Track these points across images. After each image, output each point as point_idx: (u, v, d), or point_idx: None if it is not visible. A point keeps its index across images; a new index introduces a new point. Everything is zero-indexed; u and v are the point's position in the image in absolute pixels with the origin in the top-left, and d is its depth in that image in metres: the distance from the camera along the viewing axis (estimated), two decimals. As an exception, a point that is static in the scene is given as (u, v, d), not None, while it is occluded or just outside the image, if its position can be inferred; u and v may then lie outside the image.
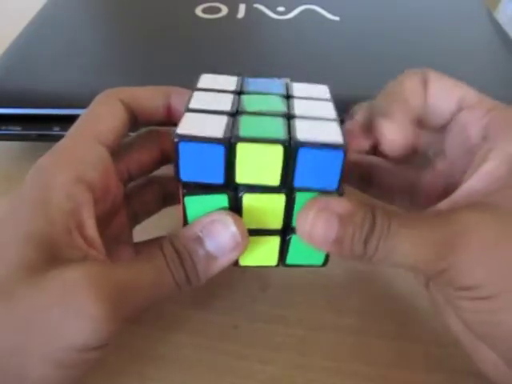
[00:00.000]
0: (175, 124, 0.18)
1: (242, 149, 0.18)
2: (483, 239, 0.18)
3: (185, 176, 0.19)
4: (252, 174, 0.18)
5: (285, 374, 0.23)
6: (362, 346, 0.24)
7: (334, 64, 0.35)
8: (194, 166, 0.18)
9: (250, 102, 0.20)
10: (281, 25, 0.39)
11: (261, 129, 0.18)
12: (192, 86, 0.22)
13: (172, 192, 0.26)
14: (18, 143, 0.36)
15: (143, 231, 0.26)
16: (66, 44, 0.37)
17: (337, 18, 0.40)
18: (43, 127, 0.32)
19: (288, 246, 0.21)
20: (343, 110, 0.29)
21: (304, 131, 0.18)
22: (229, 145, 0.18)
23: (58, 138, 0.32)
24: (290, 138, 0.18)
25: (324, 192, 0.19)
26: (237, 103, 0.20)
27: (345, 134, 0.19)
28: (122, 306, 0.18)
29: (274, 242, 0.21)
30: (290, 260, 0.22)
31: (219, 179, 0.19)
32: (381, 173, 0.25)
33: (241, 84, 0.22)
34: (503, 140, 0.20)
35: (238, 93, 0.21)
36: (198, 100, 0.20)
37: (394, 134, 0.21)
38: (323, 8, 0.41)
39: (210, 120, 0.19)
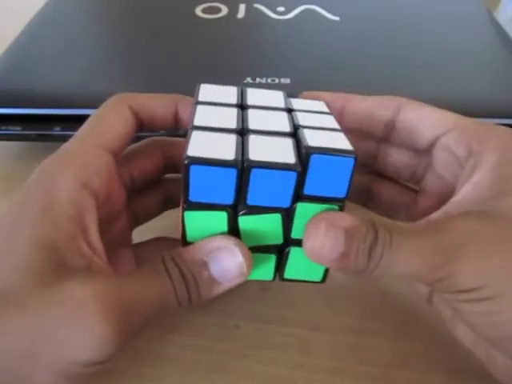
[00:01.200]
0: (180, 135, 0.18)
1: (255, 173, 0.18)
2: (480, 244, 0.18)
3: (194, 197, 0.19)
4: (263, 195, 0.19)
5: (285, 374, 0.23)
6: (362, 346, 0.24)
7: (333, 64, 0.35)
8: (204, 188, 0.18)
9: (255, 118, 0.20)
10: (281, 25, 0.39)
11: (271, 151, 0.18)
12: (192, 85, 0.22)
13: (173, 195, 0.26)
14: (17, 143, 0.36)
15: (142, 231, 0.26)
16: (66, 44, 0.37)
17: (337, 18, 0.40)
18: (43, 127, 0.32)
19: (287, 259, 0.21)
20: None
21: (312, 140, 0.18)
22: (242, 168, 0.18)
23: (58, 138, 0.32)
24: (300, 155, 0.18)
25: (330, 200, 0.19)
26: (241, 119, 0.20)
27: (351, 142, 0.19)
28: (127, 324, 0.18)
29: (271, 258, 0.21)
30: (288, 274, 0.22)
31: (228, 200, 0.19)
32: (380, 187, 0.26)
33: (241, 95, 0.22)
34: (487, 152, 0.20)
35: (241, 106, 0.21)
36: (202, 116, 0.20)
37: None
38: (323, 8, 0.41)
39: (218, 140, 0.18)
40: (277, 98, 0.22)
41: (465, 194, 0.20)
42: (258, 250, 0.20)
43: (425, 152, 0.24)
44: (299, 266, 0.21)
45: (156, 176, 0.25)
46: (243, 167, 0.18)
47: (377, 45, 0.37)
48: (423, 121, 0.23)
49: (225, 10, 0.41)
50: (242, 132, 0.19)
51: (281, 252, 0.21)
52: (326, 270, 0.21)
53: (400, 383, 0.23)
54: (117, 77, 0.34)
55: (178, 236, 0.20)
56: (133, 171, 0.24)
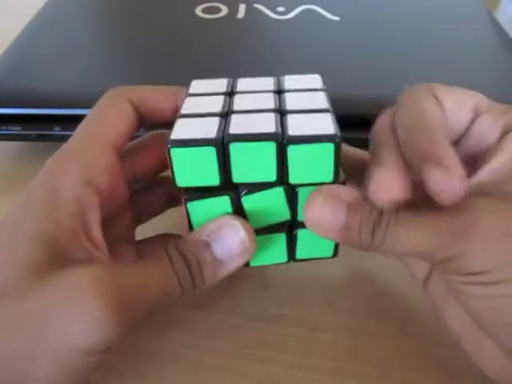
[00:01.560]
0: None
1: (234, 148, 0.18)
2: (495, 226, 0.17)
3: (181, 181, 0.19)
4: (248, 172, 0.18)
5: (285, 374, 0.23)
6: (362, 345, 0.24)
7: (334, 64, 0.35)
8: (189, 171, 0.18)
9: (240, 101, 0.20)
10: (281, 25, 0.39)
11: (251, 125, 0.18)
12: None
13: (176, 193, 0.26)
14: (17, 143, 0.36)
15: (143, 229, 0.26)
16: (66, 44, 0.37)
17: (337, 18, 0.40)
18: (43, 127, 0.32)
19: (296, 241, 0.21)
20: (343, 109, 0.29)
21: (295, 126, 0.18)
22: (221, 145, 0.18)
23: (58, 138, 0.32)
24: (283, 132, 0.18)
25: (324, 184, 0.19)
26: (228, 104, 0.20)
27: (336, 123, 0.18)
28: (128, 309, 0.18)
29: (281, 238, 0.21)
30: (299, 255, 0.22)
31: (214, 181, 0.19)
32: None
33: (231, 85, 0.22)
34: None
35: (230, 94, 0.21)
36: (189, 105, 0.20)
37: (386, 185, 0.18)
38: (323, 8, 0.41)
39: (201, 123, 0.19)
40: (266, 82, 0.22)
41: (484, 176, 0.19)
42: (267, 231, 0.20)
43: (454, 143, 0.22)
44: (309, 245, 0.21)
45: (158, 170, 0.25)
46: (223, 144, 0.17)
47: (377, 45, 0.37)
48: (461, 106, 0.21)
49: (225, 10, 0.41)
50: (226, 114, 0.19)
51: (290, 232, 0.21)
52: (337, 245, 0.21)
53: (400, 383, 0.23)
54: (117, 77, 0.34)
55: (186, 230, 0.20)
56: (135, 166, 0.24)
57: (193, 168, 0.18)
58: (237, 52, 0.37)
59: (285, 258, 0.22)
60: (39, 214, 0.19)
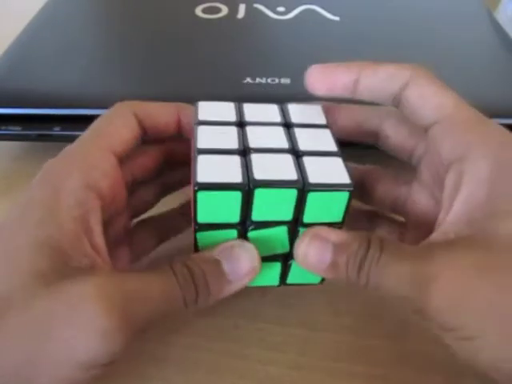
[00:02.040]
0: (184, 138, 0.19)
1: (259, 193, 0.19)
2: (460, 278, 0.17)
3: (202, 218, 0.20)
4: (267, 212, 0.20)
5: (285, 374, 0.23)
6: (362, 346, 0.24)
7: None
8: (212, 210, 0.19)
9: (254, 136, 0.21)
10: (281, 25, 0.39)
11: (274, 170, 0.19)
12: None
13: (170, 185, 0.27)
14: (17, 143, 0.36)
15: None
16: (66, 44, 0.37)
17: (337, 18, 0.40)
18: (43, 127, 0.32)
19: (289, 269, 0.23)
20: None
21: (313, 172, 0.19)
22: (247, 190, 0.19)
23: (58, 138, 0.32)
24: (303, 178, 0.19)
25: (328, 225, 0.20)
26: (242, 138, 0.21)
27: (349, 170, 0.20)
28: (132, 321, 0.18)
29: (277, 266, 0.22)
30: (290, 280, 0.23)
31: (235, 219, 0.20)
32: (374, 183, 0.25)
33: (239, 112, 0.23)
34: (476, 160, 0.19)
35: (240, 123, 0.22)
36: (204, 137, 0.21)
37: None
38: (323, 8, 0.41)
39: (223, 163, 0.19)
40: (272, 111, 0.23)
41: (457, 211, 0.19)
42: (265, 259, 0.21)
43: (422, 136, 0.22)
44: (300, 273, 0.23)
45: (156, 172, 0.25)
46: (248, 188, 0.19)
47: (377, 45, 0.37)
48: (424, 102, 0.21)
49: (225, 10, 0.41)
50: (244, 152, 0.20)
51: (285, 261, 0.22)
52: None
53: (400, 383, 0.23)
54: (117, 77, 0.34)
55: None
56: (134, 169, 0.24)
57: (216, 208, 0.19)
58: (237, 52, 0.37)
59: (276, 282, 0.23)
60: (41, 217, 0.19)
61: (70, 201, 0.19)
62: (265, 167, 0.19)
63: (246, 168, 0.19)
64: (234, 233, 0.21)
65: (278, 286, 0.24)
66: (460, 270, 0.17)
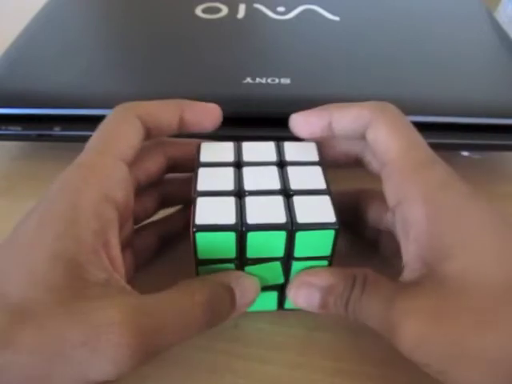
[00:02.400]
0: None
1: (251, 235, 0.21)
2: (418, 328, 0.19)
3: (202, 255, 0.22)
4: (260, 250, 0.22)
5: (285, 374, 0.23)
6: (362, 345, 0.24)
7: (333, 64, 0.35)
8: (210, 248, 0.21)
9: (250, 178, 0.23)
10: (281, 25, 0.39)
11: (265, 213, 0.21)
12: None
13: (170, 195, 0.27)
14: (17, 143, 0.36)
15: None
16: (66, 44, 0.37)
17: (337, 18, 0.40)
18: (43, 127, 0.32)
19: (285, 296, 0.24)
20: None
21: (301, 212, 0.21)
22: (240, 231, 0.21)
23: (58, 138, 0.32)
24: (291, 218, 0.21)
25: (318, 258, 0.22)
26: (239, 179, 0.23)
27: (336, 208, 0.21)
28: (150, 347, 0.18)
29: (274, 294, 0.24)
30: (287, 305, 0.25)
31: (231, 255, 0.22)
32: (366, 206, 0.26)
33: (238, 152, 0.24)
34: (410, 204, 0.21)
35: (238, 164, 0.24)
36: (204, 180, 0.23)
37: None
38: (323, 8, 0.41)
39: (219, 205, 0.21)
40: (268, 149, 0.25)
41: (411, 252, 0.20)
42: (263, 289, 0.23)
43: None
44: None
45: (160, 176, 0.26)
46: (242, 230, 0.20)
47: (377, 45, 0.37)
48: (376, 145, 0.22)
49: (225, 10, 0.41)
50: (240, 194, 0.22)
51: (282, 289, 0.24)
52: None
53: (400, 383, 0.23)
54: (117, 77, 0.34)
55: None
56: (138, 174, 0.24)
57: (214, 246, 0.21)
58: (237, 52, 0.37)
59: (274, 307, 0.25)
60: (60, 231, 0.19)
61: (88, 214, 0.19)
62: (257, 210, 0.21)
63: (241, 211, 0.21)
64: (231, 266, 0.22)
65: (277, 310, 0.25)
66: (418, 318, 0.19)
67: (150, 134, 0.23)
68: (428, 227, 0.20)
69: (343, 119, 0.23)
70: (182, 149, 0.26)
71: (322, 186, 0.23)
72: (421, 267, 0.20)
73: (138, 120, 0.23)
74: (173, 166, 0.26)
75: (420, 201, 0.20)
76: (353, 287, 0.21)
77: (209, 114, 0.24)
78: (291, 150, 0.25)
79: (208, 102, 0.25)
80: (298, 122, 0.24)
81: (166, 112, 0.24)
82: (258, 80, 0.33)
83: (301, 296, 0.22)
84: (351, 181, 0.27)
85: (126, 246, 0.24)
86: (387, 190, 0.22)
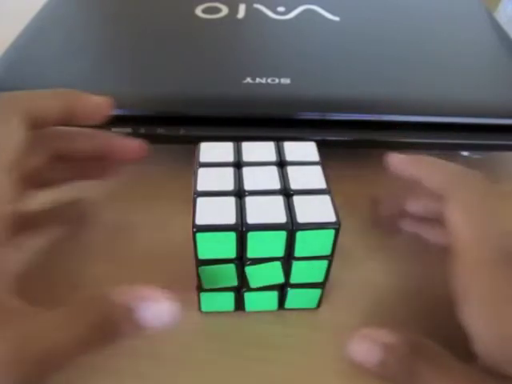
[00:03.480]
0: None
1: (252, 235, 0.21)
2: None
3: (202, 255, 0.22)
4: (260, 250, 0.22)
5: (285, 374, 0.23)
6: (362, 346, 0.24)
7: (334, 64, 0.35)
8: (211, 247, 0.21)
9: (250, 178, 0.23)
10: (281, 25, 0.39)
11: (265, 213, 0.21)
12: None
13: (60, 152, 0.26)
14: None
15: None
16: (66, 44, 0.37)
17: (337, 19, 0.40)
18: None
19: (285, 296, 0.25)
20: (343, 109, 0.29)
21: (301, 211, 0.21)
22: (240, 231, 0.21)
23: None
24: (291, 218, 0.21)
25: (318, 258, 0.22)
26: (238, 179, 0.23)
27: (336, 207, 0.21)
28: (35, 378, 0.17)
29: (274, 294, 0.24)
30: (287, 305, 0.25)
31: (231, 255, 0.22)
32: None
33: (237, 152, 0.24)
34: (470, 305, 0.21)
35: (237, 164, 0.24)
36: (204, 180, 0.23)
37: None
38: (323, 8, 0.41)
39: (219, 205, 0.21)
40: (268, 150, 0.25)
41: (488, 343, 0.20)
42: (263, 289, 0.24)
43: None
44: (296, 299, 0.25)
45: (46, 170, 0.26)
46: (242, 230, 0.20)
47: (377, 45, 0.37)
48: (448, 228, 0.22)
49: (225, 10, 0.41)
50: (240, 194, 0.22)
51: (282, 290, 0.24)
52: (320, 299, 0.25)
53: (400, 383, 0.23)
54: (116, 77, 0.34)
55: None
56: (60, 150, 0.25)
57: (214, 246, 0.21)
58: (237, 52, 0.37)
59: (275, 307, 0.25)
60: None
61: None
62: (257, 210, 0.21)
63: (241, 210, 0.21)
64: (232, 266, 0.22)
65: (277, 309, 0.25)
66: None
67: (36, 125, 0.22)
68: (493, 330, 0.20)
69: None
70: (71, 141, 0.26)
71: (322, 185, 0.23)
72: (498, 359, 0.20)
73: (17, 120, 0.21)
74: (58, 157, 0.26)
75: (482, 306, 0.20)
76: (418, 355, 0.21)
77: (99, 108, 0.24)
78: (291, 150, 0.25)
79: (99, 96, 0.24)
80: (398, 163, 0.25)
81: (52, 104, 0.23)
82: (257, 80, 0.33)
83: (363, 347, 0.22)
84: (352, 181, 0.27)
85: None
86: (454, 278, 0.22)
